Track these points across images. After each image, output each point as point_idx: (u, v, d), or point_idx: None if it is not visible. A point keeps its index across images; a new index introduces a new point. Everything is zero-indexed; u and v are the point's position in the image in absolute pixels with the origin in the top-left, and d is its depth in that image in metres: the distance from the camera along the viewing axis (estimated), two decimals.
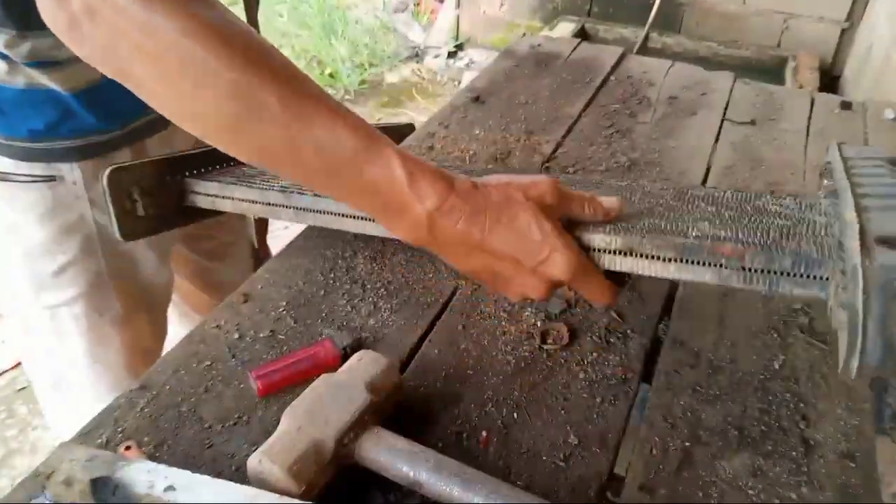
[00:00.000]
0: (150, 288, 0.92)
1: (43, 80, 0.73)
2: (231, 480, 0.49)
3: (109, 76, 0.51)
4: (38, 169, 0.78)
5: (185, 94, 0.49)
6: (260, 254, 1.12)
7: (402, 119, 3.16)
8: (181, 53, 0.47)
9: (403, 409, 0.56)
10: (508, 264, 0.51)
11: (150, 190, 0.73)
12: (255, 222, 1.10)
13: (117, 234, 0.73)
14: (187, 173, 0.77)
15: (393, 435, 0.50)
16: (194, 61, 0.47)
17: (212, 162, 0.79)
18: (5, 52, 0.70)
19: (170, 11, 0.47)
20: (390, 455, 0.49)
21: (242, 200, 0.71)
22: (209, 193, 0.74)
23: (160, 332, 0.98)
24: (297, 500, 0.44)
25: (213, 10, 0.49)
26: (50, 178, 0.79)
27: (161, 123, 0.85)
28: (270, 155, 0.51)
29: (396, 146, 0.50)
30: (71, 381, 0.91)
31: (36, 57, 0.71)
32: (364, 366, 0.54)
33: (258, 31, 0.80)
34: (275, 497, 0.44)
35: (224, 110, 0.49)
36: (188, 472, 0.44)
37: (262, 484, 0.47)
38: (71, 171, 0.79)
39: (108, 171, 0.70)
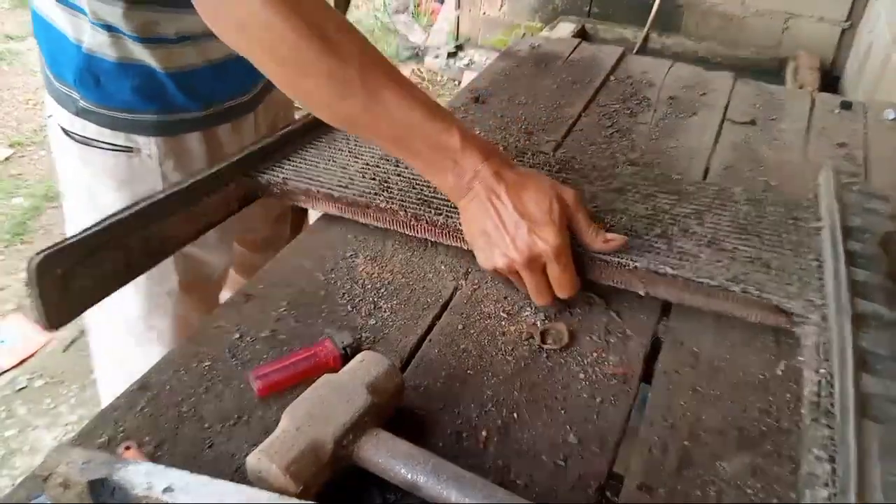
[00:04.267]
0: (208, 266, 0.96)
1: (143, 55, 0.79)
2: (231, 480, 0.49)
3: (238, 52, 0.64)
4: (119, 139, 0.83)
5: (291, 75, 0.64)
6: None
7: None
8: (289, 45, 0.60)
9: (403, 409, 0.56)
10: (509, 221, 0.63)
11: (83, 266, 0.61)
12: (291, 220, 1.16)
13: (45, 324, 0.58)
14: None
15: (392, 437, 0.50)
16: (299, 51, 0.61)
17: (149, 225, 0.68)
18: (115, 24, 0.76)
19: (285, 13, 0.59)
20: (389, 458, 0.49)
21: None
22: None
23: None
24: (295, 500, 0.44)
25: (319, 9, 0.62)
26: (128, 149, 0.84)
27: (235, 113, 0.92)
28: (356, 125, 0.66)
29: (454, 118, 0.66)
30: (125, 344, 0.95)
31: (145, 33, 0.77)
32: (365, 367, 0.54)
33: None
34: (273, 497, 0.44)
35: (322, 91, 0.63)
36: (186, 473, 0.44)
37: (261, 483, 0.47)
38: (148, 145, 0.84)
39: (37, 261, 0.55)
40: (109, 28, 0.76)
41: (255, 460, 0.47)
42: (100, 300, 0.63)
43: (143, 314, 0.92)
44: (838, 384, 0.53)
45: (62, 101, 0.83)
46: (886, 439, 0.48)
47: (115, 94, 0.80)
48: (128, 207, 0.64)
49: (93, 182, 0.86)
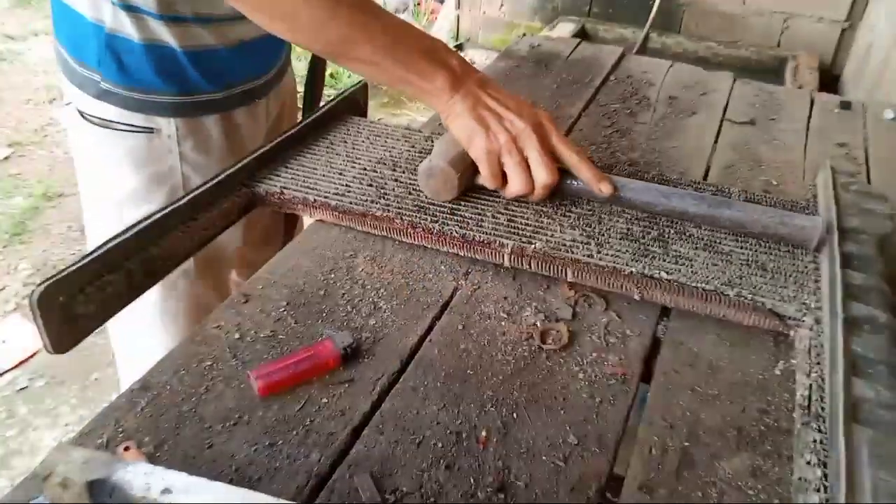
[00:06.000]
0: (221, 249, 0.97)
1: (163, 35, 0.81)
2: (231, 481, 0.49)
3: None
4: (138, 119, 0.85)
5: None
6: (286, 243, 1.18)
7: (401, 120, 3.16)
8: None
9: (402, 408, 0.56)
10: (509, 105, 0.74)
11: (84, 292, 0.60)
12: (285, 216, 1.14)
13: (51, 351, 0.58)
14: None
15: None
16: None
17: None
18: (135, 3, 0.79)
19: None
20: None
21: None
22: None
23: (225, 294, 1.04)
24: (290, 502, 0.44)
25: None
26: (148, 130, 0.86)
27: (250, 96, 0.94)
28: (347, 43, 0.71)
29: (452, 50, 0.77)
30: (140, 326, 0.96)
31: (164, 10, 0.79)
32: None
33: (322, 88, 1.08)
34: (271, 499, 0.44)
35: (304, 12, 0.69)
36: (185, 475, 0.44)
37: (430, 175, 0.74)
38: (168, 125, 0.86)
39: (38, 292, 0.55)
40: (129, 7, 0.79)
41: (426, 164, 0.74)
42: (104, 322, 0.63)
43: (157, 298, 0.93)
44: (829, 388, 0.52)
45: (83, 85, 0.85)
46: (877, 444, 0.47)
47: (137, 74, 0.83)
48: (127, 229, 0.63)
49: (112, 165, 0.87)
